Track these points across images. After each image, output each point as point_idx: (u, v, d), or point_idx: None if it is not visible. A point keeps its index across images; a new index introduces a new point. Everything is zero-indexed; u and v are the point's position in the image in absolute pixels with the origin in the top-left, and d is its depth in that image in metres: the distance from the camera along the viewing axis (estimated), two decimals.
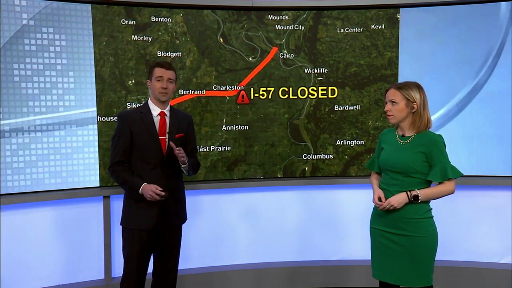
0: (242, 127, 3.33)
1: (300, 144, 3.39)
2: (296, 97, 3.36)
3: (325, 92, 3.37)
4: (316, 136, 3.40)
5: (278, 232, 3.46)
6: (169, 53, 3.17)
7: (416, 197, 2.09)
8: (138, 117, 2.39)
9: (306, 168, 3.40)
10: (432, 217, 2.17)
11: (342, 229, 3.48)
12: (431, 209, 2.18)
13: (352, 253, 3.47)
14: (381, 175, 2.32)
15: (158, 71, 2.39)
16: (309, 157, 3.40)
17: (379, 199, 2.17)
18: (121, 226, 2.47)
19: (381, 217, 2.22)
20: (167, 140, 2.41)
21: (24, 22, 2.85)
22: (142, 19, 3.11)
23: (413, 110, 2.14)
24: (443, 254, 3.23)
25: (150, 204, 2.34)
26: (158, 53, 3.15)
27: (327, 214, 3.47)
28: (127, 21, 3.08)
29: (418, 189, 2.11)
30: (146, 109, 2.42)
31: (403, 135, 2.19)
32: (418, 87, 2.17)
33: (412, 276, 2.14)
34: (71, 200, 3.04)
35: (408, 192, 2.10)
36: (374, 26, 3.32)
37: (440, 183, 2.13)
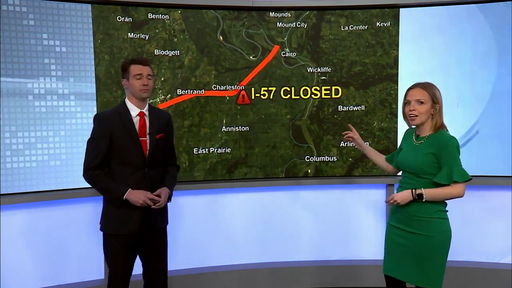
0: (243, 128, 3.24)
1: (303, 146, 3.29)
2: (298, 97, 3.26)
3: (328, 92, 3.26)
4: (319, 137, 3.29)
5: (279, 232, 3.41)
6: (166, 51, 3.08)
7: (420, 196, 2.09)
8: (117, 118, 2.27)
9: (309, 171, 3.31)
10: (444, 218, 2.14)
11: (345, 230, 3.44)
12: (446, 211, 2.16)
13: (354, 254, 3.45)
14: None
15: (135, 69, 2.28)
16: (312, 159, 3.30)
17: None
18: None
19: (395, 213, 2.24)
20: (148, 141, 2.32)
21: (24, 22, 2.80)
22: (138, 16, 3.02)
23: (435, 111, 2.12)
24: None
25: (133, 208, 2.26)
26: (155, 52, 3.06)
27: (330, 214, 3.43)
28: (123, 18, 2.99)
29: (424, 189, 2.09)
30: (124, 109, 2.30)
31: (418, 136, 2.18)
32: (437, 89, 2.16)
33: (418, 275, 2.13)
34: (71, 200, 3.01)
35: (413, 190, 2.10)
36: (380, 23, 3.21)
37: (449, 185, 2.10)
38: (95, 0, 2.92)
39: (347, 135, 2.46)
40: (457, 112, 3.23)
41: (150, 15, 3.03)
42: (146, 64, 2.32)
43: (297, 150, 3.29)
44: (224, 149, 3.23)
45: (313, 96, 3.27)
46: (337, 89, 3.27)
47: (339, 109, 3.27)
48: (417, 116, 2.12)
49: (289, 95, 3.25)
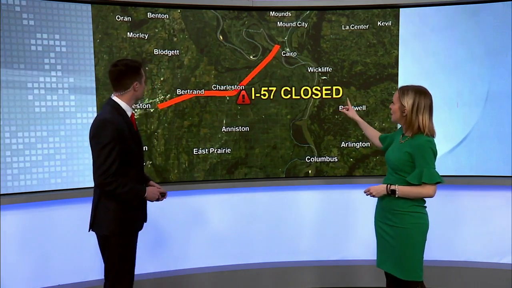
0: (243, 129, 3.22)
1: (303, 146, 3.27)
2: (299, 97, 3.24)
3: (329, 92, 3.24)
4: (320, 137, 3.27)
5: (279, 233, 3.40)
6: (166, 51, 3.06)
7: (393, 192, 2.21)
8: (122, 120, 2.21)
9: (310, 171, 3.29)
10: (420, 212, 2.22)
11: (346, 230, 3.43)
12: (424, 206, 2.24)
13: (355, 254, 3.44)
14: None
15: (144, 72, 2.28)
16: (312, 159, 3.28)
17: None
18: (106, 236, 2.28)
19: (377, 207, 2.37)
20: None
21: (24, 22, 2.79)
22: (138, 16, 3.01)
23: (404, 114, 2.20)
24: (443, 254, 3.36)
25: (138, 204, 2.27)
26: (155, 51, 3.05)
27: (330, 214, 3.41)
28: (122, 18, 2.97)
29: (399, 185, 2.20)
30: (122, 111, 2.22)
31: (403, 135, 2.28)
32: (416, 92, 2.19)
33: (398, 266, 2.23)
34: (72, 200, 3.01)
35: (388, 185, 2.22)
36: (381, 22, 3.19)
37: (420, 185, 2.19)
38: (94, 0, 2.92)
39: (343, 108, 2.73)
40: (457, 112, 3.21)
41: (149, 15, 3.02)
42: None
43: (297, 151, 3.27)
44: (224, 150, 3.21)
45: (313, 96, 3.24)
46: (338, 89, 3.24)
47: (340, 109, 3.24)
48: (392, 114, 2.31)
49: (289, 95, 3.23)
